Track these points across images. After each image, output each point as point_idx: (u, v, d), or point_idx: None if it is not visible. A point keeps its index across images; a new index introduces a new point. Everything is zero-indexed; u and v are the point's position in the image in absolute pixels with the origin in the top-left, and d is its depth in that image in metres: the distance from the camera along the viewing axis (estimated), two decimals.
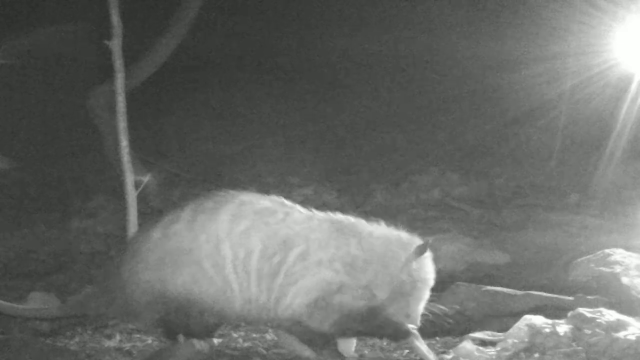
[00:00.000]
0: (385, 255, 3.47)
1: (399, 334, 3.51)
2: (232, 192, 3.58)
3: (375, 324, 3.48)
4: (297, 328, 3.60)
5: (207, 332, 3.64)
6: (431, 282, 3.55)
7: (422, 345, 3.49)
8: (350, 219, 3.59)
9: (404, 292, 3.47)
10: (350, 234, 3.49)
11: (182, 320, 3.51)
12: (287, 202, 3.58)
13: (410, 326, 3.49)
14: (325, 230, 3.48)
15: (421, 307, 3.53)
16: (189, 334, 3.56)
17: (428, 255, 3.53)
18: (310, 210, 3.60)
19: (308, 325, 3.48)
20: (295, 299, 3.42)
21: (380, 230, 3.57)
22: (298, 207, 3.59)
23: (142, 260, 3.50)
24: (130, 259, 3.55)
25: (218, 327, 3.77)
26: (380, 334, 3.58)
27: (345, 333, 3.55)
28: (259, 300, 3.43)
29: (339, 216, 3.60)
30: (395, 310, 3.48)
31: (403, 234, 3.58)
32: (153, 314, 3.53)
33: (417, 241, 3.53)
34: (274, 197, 3.60)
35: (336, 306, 3.41)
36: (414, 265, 3.47)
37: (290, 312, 3.44)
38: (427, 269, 3.53)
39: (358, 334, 3.60)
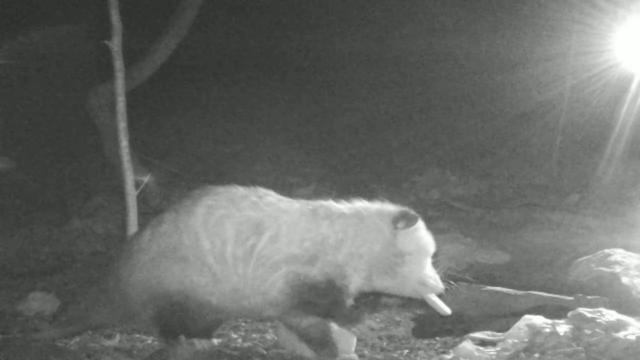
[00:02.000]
0: (359, 234, 3.48)
1: (346, 320, 3.52)
2: (210, 186, 3.62)
3: (333, 303, 3.46)
4: (289, 320, 3.59)
5: (205, 330, 3.65)
6: (428, 250, 3.55)
7: (437, 300, 3.57)
8: (323, 202, 3.61)
9: (395, 265, 3.48)
10: (321, 215, 3.51)
11: (179, 318, 3.53)
12: (262, 189, 3.61)
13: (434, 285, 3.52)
14: (296, 212, 3.51)
15: (429, 272, 3.53)
16: (188, 333, 3.56)
17: (417, 224, 3.52)
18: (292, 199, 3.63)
19: (278, 303, 3.46)
20: (268, 279, 3.42)
21: (354, 209, 3.58)
22: (272, 193, 3.61)
23: (136, 262, 3.58)
24: (125, 262, 3.63)
25: (217, 324, 3.78)
26: (332, 315, 3.52)
27: (310, 309, 3.50)
28: (242, 288, 3.45)
29: (313, 201, 3.63)
30: (398, 283, 3.51)
31: (386, 208, 3.58)
32: (150, 312, 3.57)
33: (398, 211, 3.53)
34: (253, 187, 3.61)
35: (302, 277, 3.41)
36: (400, 237, 3.48)
37: (267, 297, 3.44)
38: (418, 239, 3.53)
39: (318, 313, 3.54)
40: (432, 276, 3.54)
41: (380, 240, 3.47)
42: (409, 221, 3.49)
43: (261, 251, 3.42)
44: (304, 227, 3.46)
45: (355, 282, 3.49)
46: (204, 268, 3.46)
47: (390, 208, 3.58)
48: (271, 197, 3.58)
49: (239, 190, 3.58)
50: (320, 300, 3.45)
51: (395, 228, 3.48)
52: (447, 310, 3.55)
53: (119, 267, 3.65)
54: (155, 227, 3.59)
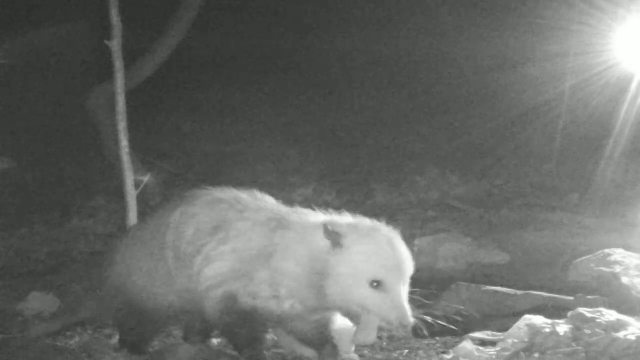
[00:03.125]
0: (290, 248, 3.22)
1: (247, 343, 3.31)
2: (206, 188, 3.59)
3: (235, 317, 3.29)
4: (286, 327, 3.50)
5: (158, 329, 3.65)
6: (366, 273, 3.07)
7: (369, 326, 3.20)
8: (305, 212, 3.37)
9: (319, 286, 3.14)
10: (278, 227, 3.29)
11: (136, 320, 3.55)
12: (259, 194, 3.49)
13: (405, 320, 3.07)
14: (254, 220, 3.35)
15: (395, 301, 3.06)
16: (143, 335, 3.59)
17: (348, 243, 3.11)
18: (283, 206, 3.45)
19: (205, 312, 3.37)
20: (204, 282, 3.34)
21: (306, 221, 3.27)
22: (262, 198, 3.48)
23: (115, 257, 3.67)
24: (108, 258, 3.74)
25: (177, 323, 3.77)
26: (238, 340, 3.35)
27: (231, 337, 3.40)
28: (194, 289, 3.39)
29: (291, 209, 3.40)
30: (327, 305, 3.18)
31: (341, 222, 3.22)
32: (115, 309, 3.63)
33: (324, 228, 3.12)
34: (250, 191, 3.52)
35: (233, 299, 3.28)
36: (337, 256, 3.11)
37: (205, 309, 3.36)
38: (351, 260, 3.10)
39: (237, 342, 3.40)
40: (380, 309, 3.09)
41: (306, 257, 3.18)
42: (333, 240, 3.11)
43: (209, 252, 3.35)
44: (250, 236, 3.32)
45: (287, 301, 3.25)
46: (162, 263, 3.46)
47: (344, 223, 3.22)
48: (246, 202, 3.44)
49: (220, 194, 3.51)
50: (241, 329, 3.31)
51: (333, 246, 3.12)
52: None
53: (104, 263, 3.75)
54: (140, 223, 3.68)
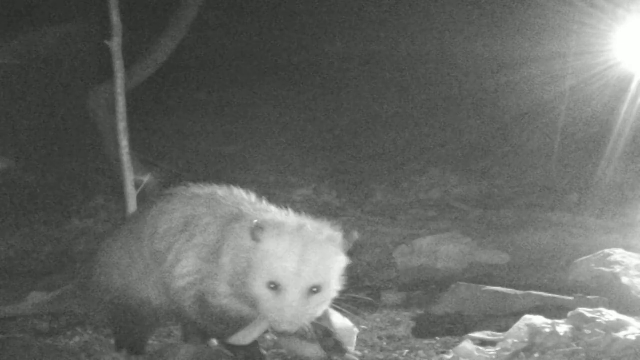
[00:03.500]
0: (232, 247, 3.17)
1: (225, 332, 3.25)
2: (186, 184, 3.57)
3: (209, 317, 3.26)
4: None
5: (148, 328, 3.62)
6: (264, 272, 2.99)
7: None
8: (257, 207, 3.30)
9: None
10: (231, 221, 3.24)
11: (126, 318, 3.54)
12: (220, 191, 3.43)
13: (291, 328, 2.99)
14: (215, 214, 3.30)
15: (284, 306, 2.96)
16: (134, 333, 3.58)
17: (284, 241, 3.00)
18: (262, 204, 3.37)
19: (183, 313, 3.34)
20: (177, 282, 3.31)
21: (254, 216, 3.19)
22: (233, 195, 3.40)
23: (97, 258, 3.65)
24: (93, 260, 3.73)
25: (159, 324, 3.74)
26: (210, 330, 3.37)
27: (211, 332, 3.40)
28: (169, 284, 3.36)
29: (261, 206, 3.33)
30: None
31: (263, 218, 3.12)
32: (103, 305, 3.61)
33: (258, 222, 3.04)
34: (225, 188, 3.47)
35: (204, 298, 3.24)
36: (253, 252, 3.05)
37: (182, 307, 3.32)
38: (267, 257, 3.00)
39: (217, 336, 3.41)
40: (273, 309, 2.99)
41: (235, 253, 3.13)
42: (253, 234, 3.04)
43: (179, 248, 3.32)
44: (210, 232, 3.27)
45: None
46: (140, 259, 3.45)
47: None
48: (229, 197, 3.38)
49: (199, 190, 3.48)
50: (223, 330, 3.27)
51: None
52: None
53: (89, 262, 3.80)
54: (123, 221, 3.70)
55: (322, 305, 3.09)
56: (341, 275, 3.14)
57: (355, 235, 3.11)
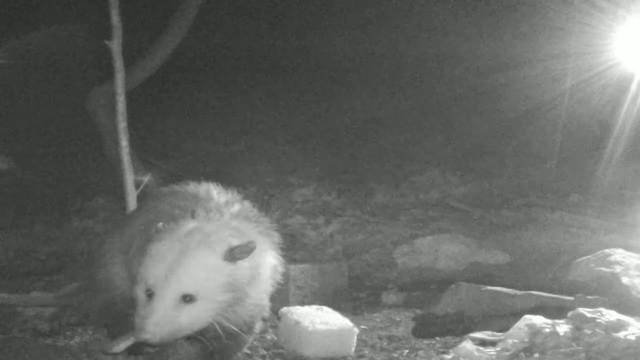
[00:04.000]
0: None
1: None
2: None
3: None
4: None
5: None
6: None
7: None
8: (209, 206, 3.15)
9: None
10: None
11: (114, 312, 3.49)
12: (201, 188, 3.35)
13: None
14: (163, 215, 3.15)
15: (148, 309, 2.82)
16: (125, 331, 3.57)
17: (164, 243, 2.90)
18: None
19: None
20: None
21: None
22: (209, 191, 3.30)
23: (92, 259, 3.72)
24: (89, 261, 3.81)
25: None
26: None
27: None
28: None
29: (221, 203, 3.20)
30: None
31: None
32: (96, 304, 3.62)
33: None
34: (207, 185, 3.38)
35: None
36: None
37: None
38: (147, 259, 2.91)
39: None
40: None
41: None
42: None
43: (149, 247, 3.13)
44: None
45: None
46: (120, 255, 3.45)
47: None
48: (205, 194, 3.27)
49: (187, 187, 3.41)
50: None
51: None
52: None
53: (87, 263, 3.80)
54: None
55: (199, 318, 2.85)
56: (230, 287, 2.87)
57: (252, 245, 2.86)
